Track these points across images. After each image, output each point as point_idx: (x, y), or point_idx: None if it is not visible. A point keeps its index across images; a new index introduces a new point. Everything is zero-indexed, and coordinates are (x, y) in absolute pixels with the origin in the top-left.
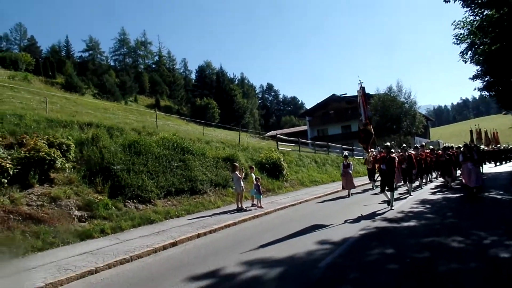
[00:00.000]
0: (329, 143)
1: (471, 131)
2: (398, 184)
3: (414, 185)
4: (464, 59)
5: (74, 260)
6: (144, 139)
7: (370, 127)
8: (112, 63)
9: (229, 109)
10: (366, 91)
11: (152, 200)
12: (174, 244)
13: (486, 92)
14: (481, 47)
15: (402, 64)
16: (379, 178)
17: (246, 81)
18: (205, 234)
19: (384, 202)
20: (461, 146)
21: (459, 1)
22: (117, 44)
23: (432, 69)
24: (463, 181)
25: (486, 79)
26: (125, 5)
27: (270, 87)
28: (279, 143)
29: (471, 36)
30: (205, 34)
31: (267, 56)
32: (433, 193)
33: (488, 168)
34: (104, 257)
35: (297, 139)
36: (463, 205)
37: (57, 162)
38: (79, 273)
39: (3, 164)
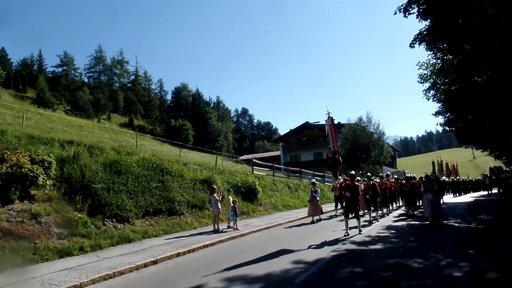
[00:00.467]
0: (302, 169)
1: (433, 163)
2: (364, 211)
3: (379, 213)
4: (427, 97)
5: (57, 275)
6: (124, 159)
7: (338, 155)
8: (86, 80)
9: (203, 131)
10: (338, 121)
11: (130, 220)
12: (155, 262)
13: (447, 127)
14: (442, 87)
15: (371, 96)
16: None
17: (221, 104)
18: (184, 253)
19: (344, 230)
20: (423, 176)
21: (424, 46)
22: (92, 61)
23: (400, 102)
24: (424, 210)
25: (447, 115)
26: (103, 23)
27: (245, 111)
28: (254, 167)
29: (434, 77)
30: (182, 56)
31: (243, 81)
32: (397, 220)
33: (448, 198)
34: (87, 273)
35: (271, 164)
36: (424, 231)
37: (39, 179)
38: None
39: None
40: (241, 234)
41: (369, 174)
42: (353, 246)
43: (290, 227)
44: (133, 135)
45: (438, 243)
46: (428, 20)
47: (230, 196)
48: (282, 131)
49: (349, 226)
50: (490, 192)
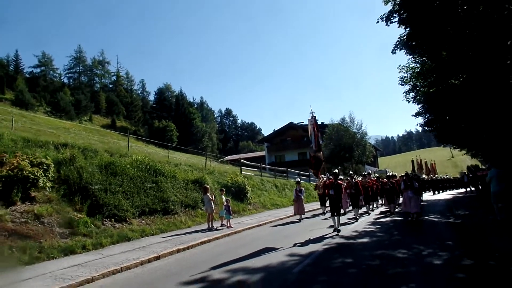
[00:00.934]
0: (288, 169)
1: (412, 161)
2: (347, 209)
3: (361, 210)
4: (408, 99)
5: (67, 271)
6: (119, 161)
7: (320, 154)
8: (66, 81)
9: (187, 132)
10: (322, 121)
11: (128, 219)
12: (157, 258)
13: (426, 128)
14: (421, 89)
15: (353, 95)
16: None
17: (205, 105)
18: (184, 249)
19: (332, 227)
20: (403, 175)
21: (404, 51)
22: (72, 62)
23: (381, 102)
24: (404, 207)
25: (426, 116)
26: (83, 22)
27: (228, 112)
28: (242, 167)
29: (413, 79)
30: (165, 56)
31: (226, 82)
32: (381, 217)
33: (428, 196)
34: (96, 268)
35: (258, 164)
36: (406, 226)
37: (39, 181)
38: (78, 281)
39: None
40: (234, 231)
41: (351, 172)
42: (342, 240)
43: (280, 224)
44: (118, 136)
45: (420, 236)
46: (408, 28)
47: (223, 196)
48: (266, 131)
49: (331, 224)
50: (468, 189)
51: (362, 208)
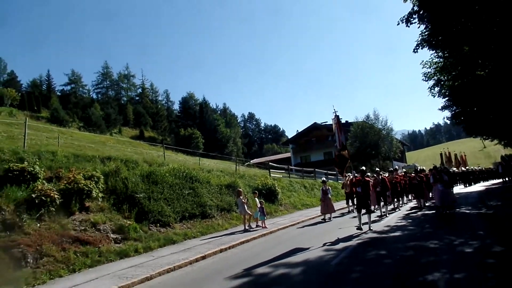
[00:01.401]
0: (316, 169)
1: (441, 154)
2: (376, 206)
3: (389, 207)
4: (433, 94)
5: (127, 271)
6: (158, 170)
7: (345, 152)
8: (94, 96)
9: (212, 138)
10: (345, 120)
11: (171, 224)
12: (203, 257)
13: (454, 121)
14: (446, 83)
15: (378, 94)
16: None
17: (228, 110)
18: (225, 249)
19: (356, 227)
20: (432, 169)
21: (426, 47)
22: (100, 78)
23: (406, 96)
24: (435, 201)
25: (453, 109)
26: (109, 39)
27: (251, 116)
28: (270, 170)
29: (437, 74)
30: (187, 65)
31: (248, 86)
32: (411, 212)
33: (459, 189)
34: (152, 268)
35: (286, 166)
36: (438, 219)
37: (93, 192)
38: (139, 279)
39: (51, 194)
40: (270, 231)
41: (377, 169)
42: (375, 235)
43: (312, 224)
44: (149, 147)
45: (451, 227)
46: (429, 27)
47: (256, 198)
48: (290, 133)
49: (362, 221)
50: (504, 179)
51: (391, 204)
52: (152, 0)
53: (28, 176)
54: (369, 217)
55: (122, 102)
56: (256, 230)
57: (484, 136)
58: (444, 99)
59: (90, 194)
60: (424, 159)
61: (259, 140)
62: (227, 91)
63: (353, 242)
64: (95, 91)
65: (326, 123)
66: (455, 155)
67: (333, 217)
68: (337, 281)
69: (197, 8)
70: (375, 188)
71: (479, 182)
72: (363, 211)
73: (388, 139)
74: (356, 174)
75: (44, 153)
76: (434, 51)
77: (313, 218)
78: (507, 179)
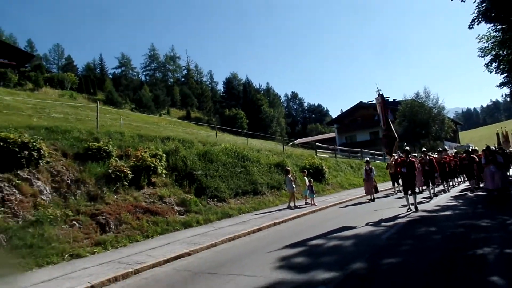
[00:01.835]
0: (362, 149)
1: (497, 134)
2: (423, 187)
3: (438, 188)
4: (490, 70)
5: (193, 238)
6: (213, 149)
7: (393, 133)
8: (143, 78)
9: (256, 118)
10: (393, 98)
11: (226, 199)
12: (259, 229)
13: None
14: (505, 58)
15: (429, 67)
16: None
17: (271, 90)
18: (279, 223)
19: (404, 206)
20: (484, 149)
21: (483, 21)
22: (147, 60)
23: (460, 71)
24: (485, 183)
25: None
26: (154, 21)
27: (294, 95)
28: (317, 150)
29: (495, 49)
30: (231, 46)
31: (291, 66)
32: (462, 193)
33: None
34: (215, 236)
35: (332, 146)
36: (491, 201)
37: (158, 168)
38: (205, 245)
39: (124, 170)
40: (319, 208)
41: (424, 149)
42: (425, 214)
43: (359, 203)
44: (197, 127)
45: (504, 208)
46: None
47: (305, 177)
48: (333, 112)
49: (403, 203)
50: None
51: (439, 186)
52: None
53: (104, 154)
54: (415, 198)
55: (169, 83)
56: (305, 207)
57: None
58: (503, 75)
59: (156, 171)
60: (479, 139)
61: (302, 119)
62: (270, 70)
63: (403, 220)
64: (144, 73)
65: (373, 102)
66: None
67: (378, 198)
68: (388, 252)
69: None
70: (422, 168)
71: None
72: (409, 192)
73: (440, 118)
74: (401, 154)
75: (113, 133)
76: (492, 25)
77: (360, 197)
78: None
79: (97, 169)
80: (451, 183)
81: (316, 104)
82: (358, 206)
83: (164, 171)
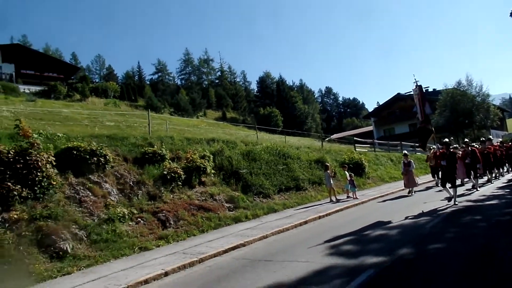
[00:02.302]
0: (402, 142)
1: None
2: (465, 180)
3: (481, 180)
4: None
5: (244, 232)
6: (255, 149)
7: (429, 125)
8: (179, 82)
9: (291, 115)
10: (433, 88)
11: (270, 196)
12: (305, 222)
13: None
14: None
15: (472, 52)
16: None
17: (305, 87)
18: (323, 216)
19: (446, 199)
20: None
21: None
22: (182, 64)
23: (508, 55)
24: None
25: None
26: (187, 25)
27: (329, 90)
28: (355, 144)
29: None
30: (263, 46)
31: (323, 60)
32: (509, 183)
33: None
34: (265, 229)
35: (371, 140)
36: None
37: (207, 169)
38: (257, 237)
39: (178, 171)
40: (361, 201)
41: (466, 140)
42: (469, 203)
43: (400, 196)
44: (234, 127)
45: None
46: None
47: (346, 172)
48: (369, 105)
49: (446, 196)
50: None
51: (483, 177)
52: None
53: (159, 157)
54: (455, 191)
55: (204, 85)
56: (346, 201)
57: None
58: None
59: (205, 171)
60: None
61: (337, 114)
62: (303, 67)
63: (446, 210)
64: (179, 77)
65: (411, 93)
66: None
67: (419, 191)
68: (432, 239)
69: None
70: (463, 160)
71: None
72: (449, 184)
73: (484, 106)
74: (440, 147)
75: (164, 138)
76: None
77: (401, 189)
78: None
79: (154, 171)
80: (497, 173)
81: (351, 98)
82: (398, 200)
83: (212, 171)
